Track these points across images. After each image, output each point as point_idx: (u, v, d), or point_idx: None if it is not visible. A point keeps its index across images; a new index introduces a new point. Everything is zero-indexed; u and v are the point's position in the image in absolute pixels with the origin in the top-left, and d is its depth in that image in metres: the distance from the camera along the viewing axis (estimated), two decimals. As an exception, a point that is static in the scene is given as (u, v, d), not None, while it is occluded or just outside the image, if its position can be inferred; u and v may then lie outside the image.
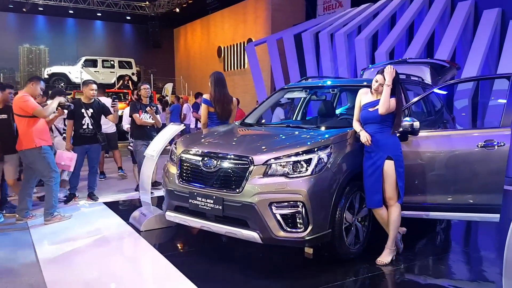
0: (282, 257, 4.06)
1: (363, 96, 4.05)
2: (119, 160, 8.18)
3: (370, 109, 3.93)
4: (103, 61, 21.90)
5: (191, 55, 25.75)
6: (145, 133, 6.30)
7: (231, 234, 3.68)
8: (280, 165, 3.57)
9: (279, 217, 3.48)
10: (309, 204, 3.45)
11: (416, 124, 4.01)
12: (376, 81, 3.87)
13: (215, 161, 3.76)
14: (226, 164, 3.72)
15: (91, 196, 6.32)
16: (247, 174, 3.59)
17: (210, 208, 3.73)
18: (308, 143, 3.71)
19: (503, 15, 8.80)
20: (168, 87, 22.77)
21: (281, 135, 4.08)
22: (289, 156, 3.58)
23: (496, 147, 3.98)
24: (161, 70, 25.42)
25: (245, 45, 19.51)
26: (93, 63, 21.59)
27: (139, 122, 6.24)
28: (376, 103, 3.91)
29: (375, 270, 3.76)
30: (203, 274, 3.67)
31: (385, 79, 3.81)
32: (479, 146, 4.04)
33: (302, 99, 6.13)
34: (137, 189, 6.93)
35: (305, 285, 3.45)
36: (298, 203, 3.45)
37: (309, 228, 3.48)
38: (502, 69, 7.94)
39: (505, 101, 8.29)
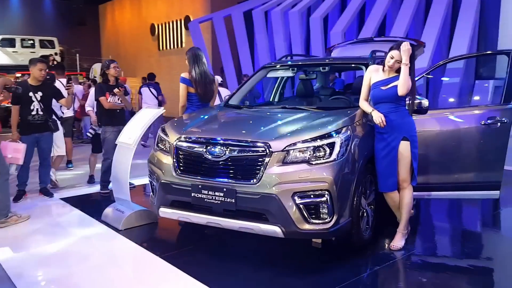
0: (290, 248, 3.74)
1: (374, 74, 3.80)
2: (70, 152, 7.29)
3: (383, 88, 3.70)
4: (22, 40, 19.74)
5: (120, 33, 24.10)
6: (115, 118, 5.57)
7: (247, 229, 3.29)
8: (300, 151, 3.23)
9: (303, 209, 3.15)
10: (335, 193, 3.16)
11: (425, 102, 3.87)
12: (392, 58, 3.62)
13: (223, 149, 3.32)
14: (237, 152, 3.30)
15: (44, 192, 5.53)
16: (264, 162, 3.20)
17: (219, 202, 3.30)
18: (328, 125, 3.40)
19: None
20: (97, 67, 21.11)
21: (289, 118, 3.71)
22: (310, 140, 3.24)
23: (499, 124, 3.97)
24: (86, 49, 23.45)
25: (182, 22, 18.64)
26: (10, 43, 19.38)
27: (108, 106, 5.50)
28: (390, 81, 3.68)
29: (393, 257, 3.59)
30: (214, 275, 3.27)
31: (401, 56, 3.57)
32: (482, 123, 4.01)
33: (280, 78, 5.79)
34: (90, 181, 6.22)
35: (329, 281, 3.17)
36: (324, 192, 3.14)
37: (334, 218, 3.20)
38: (455, 50, 8.13)
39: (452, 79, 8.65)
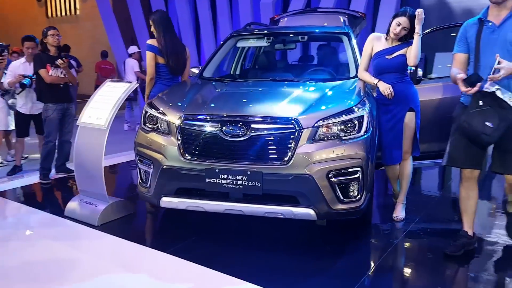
0: (295, 229, 3.53)
1: (376, 42, 3.69)
2: None
3: (388, 57, 3.62)
4: None
5: (-4, -3, 20.88)
6: (58, 94, 4.73)
7: (275, 214, 3.00)
8: (328, 127, 3.00)
9: (337, 188, 2.96)
10: (366, 169, 3.03)
11: (419, 72, 3.89)
12: (399, 25, 3.51)
13: (244, 128, 2.96)
14: (261, 130, 2.96)
15: (-31, 187, 4.55)
16: (294, 140, 2.92)
17: (241, 187, 2.95)
18: (349, 99, 3.23)
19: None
20: (-29, 37, 18.19)
21: (299, 91, 3.45)
22: (340, 115, 3.03)
23: None
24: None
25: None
26: None
27: (49, 80, 4.62)
28: (394, 49, 3.60)
29: (403, 227, 3.61)
30: (236, 264, 2.93)
31: (410, 24, 3.49)
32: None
33: (240, 49, 5.43)
34: (12, 172, 5.27)
35: (363, 262, 3.07)
36: (357, 169, 2.98)
37: (363, 195, 3.07)
38: (380, 25, 8.39)
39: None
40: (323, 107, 3.09)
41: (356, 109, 3.08)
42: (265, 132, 2.95)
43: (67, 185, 4.91)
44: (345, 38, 4.41)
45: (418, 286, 2.80)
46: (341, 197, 2.98)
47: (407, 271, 3.00)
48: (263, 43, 4.74)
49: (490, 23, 2.84)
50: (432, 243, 3.33)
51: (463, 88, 2.79)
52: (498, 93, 2.71)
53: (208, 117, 3.07)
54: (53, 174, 5.08)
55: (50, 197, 4.55)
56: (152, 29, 4.24)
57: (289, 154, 2.90)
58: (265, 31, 4.74)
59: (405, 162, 3.76)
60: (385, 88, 3.52)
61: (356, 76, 3.90)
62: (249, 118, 2.98)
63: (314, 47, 6.55)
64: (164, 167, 3.11)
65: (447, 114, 4.13)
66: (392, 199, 4.13)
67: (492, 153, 3.01)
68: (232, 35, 4.76)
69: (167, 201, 3.17)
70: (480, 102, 2.75)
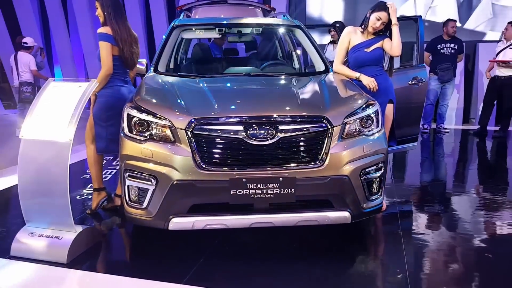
0: (292, 236, 3.29)
1: (353, 36, 3.68)
2: None
3: (367, 50, 3.64)
4: None
5: None
6: None
7: (309, 222, 2.74)
8: (352, 123, 2.85)
9: (366, 186, 2.84)
10: (387, 163, 2.99)
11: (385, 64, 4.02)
12: (379, 19, 3.56)
13: (271, 129, 2.63)
14: (291, 130, 2.67)
15: None
16: (326, 139, 2.70)
17: (272, 196, 2.62)
18: (360, 93, 3.15)
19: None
20: None
21: (305, 87, 3.25)
22: (362, 109, 2.93)
23: (420, 83, 4.48)
24: None
25: None
26: None
27: None
28: (372, 42, 3.65)
29: (394, 215, 3.70)
30: (267, 281, 2.61)
31: (389, 17, 3.55)
32: (409, 83, 4.45)
33: (188, 41, 4.93)
34: None
35: (392, 263, 3.04)
36: (382, 164, 2.91)
37: (383, 191, 3.03)
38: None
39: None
40: (344, 103, 2.95)
41: (372, 103, 3.01)
42: (296, 132, 2.68)
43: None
44: (299, 31, 4.31)
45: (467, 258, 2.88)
46: (368, 196, 2.89)
47: (439, 252, 3.04)
48: (213, 34, 4.35)
49: None
50: (430, 219, 3.49)
51: None
52: None
53: (227, 120, 2.65)
54: None
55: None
56: (98, 12, 3.52)
57: (324, 154, 2.69)
58: (214, 22, 4.34)
59: (383, 153, 3.84)
60: (370, 82, 3.54)
61: (326, 70, 3.84)
62: (278, 118, 2.67)
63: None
64: (175, 182, 2.59)
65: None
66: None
67: None
68: (176, 25, 4.25)
69: (179, 222, 2.66)
70: None
